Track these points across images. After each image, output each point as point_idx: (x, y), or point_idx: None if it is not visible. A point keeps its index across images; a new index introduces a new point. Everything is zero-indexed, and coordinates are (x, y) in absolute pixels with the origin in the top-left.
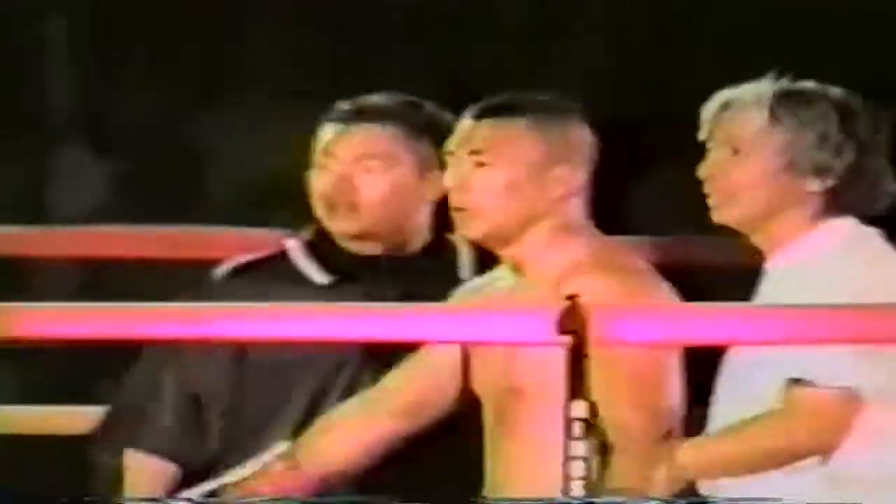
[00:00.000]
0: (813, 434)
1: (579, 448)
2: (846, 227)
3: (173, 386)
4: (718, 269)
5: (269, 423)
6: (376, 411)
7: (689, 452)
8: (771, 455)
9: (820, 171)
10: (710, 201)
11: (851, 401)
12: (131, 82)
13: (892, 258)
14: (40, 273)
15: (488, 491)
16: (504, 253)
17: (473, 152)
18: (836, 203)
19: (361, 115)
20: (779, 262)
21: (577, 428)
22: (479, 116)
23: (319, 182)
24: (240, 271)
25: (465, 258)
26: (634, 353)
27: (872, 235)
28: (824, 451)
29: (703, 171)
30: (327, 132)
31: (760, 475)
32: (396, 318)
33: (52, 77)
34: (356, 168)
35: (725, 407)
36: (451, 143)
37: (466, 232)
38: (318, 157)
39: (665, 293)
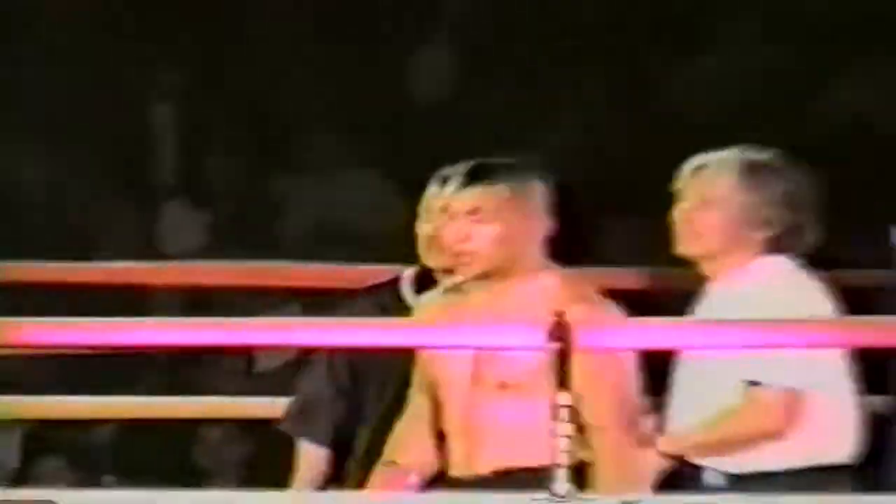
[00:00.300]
0: (765, 425)
1: (565, 428)
2: (779, 261)
3: (331, 386)
4: (663, 292)
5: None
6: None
7: (669, 441)
8: (733, 441)
9: (766, 224)
10: (678, 237)
11: (795, 397)
12: (220, 150)
13: (812, 283)
14: (152, 298)
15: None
16: (492, 282)
17: (470, 212)
18: (773, 245)
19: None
20: (723, 285)
21: (563, 413)
22: (469, 182)
23: (429, 229)
24: (371, 289)
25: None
26: (604, 357)
27: (798, 267)
28: (775, 437)
29: (676, 214)
30: (443, 190)
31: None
32: (424, 330)
33: (161, 148)
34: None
35: (683, 402)
36: (444, 202)
37: (466, 273)
38: (429, 209)
39: (609, 309)
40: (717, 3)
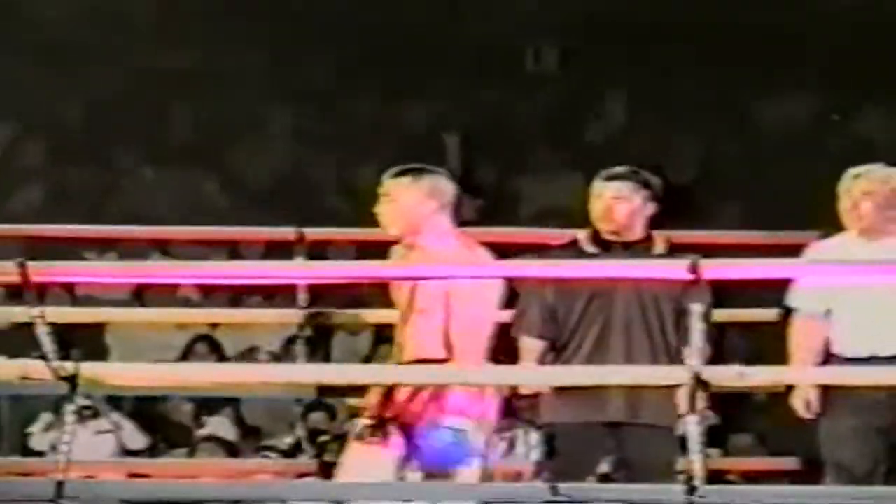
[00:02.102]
0: None
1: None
2: None
3: (537, 300)
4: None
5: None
6: None
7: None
8: None
9: None
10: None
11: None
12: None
13: None
14: None
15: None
16: (406, 241)
17: (387, 195)
18: None
19: (613, 177)
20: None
21: (698, 318)
22: (392, 177)
23: (596, 207)
24: (561, 247)
25: (660, 246)
26: (473, 294)
27: None
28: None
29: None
30: (599, 184)
31: None
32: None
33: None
34: (613, 202)
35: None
36: (381, 189)
37: (391, 230)
38: (595, 194)
39: (485, 257)
40: None
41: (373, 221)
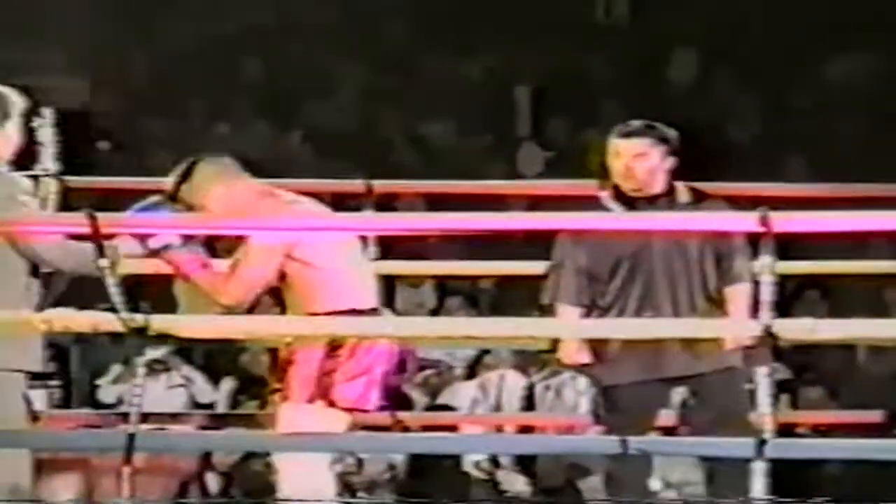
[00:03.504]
0: None
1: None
2: None
3: (571, 264)
4: None
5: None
6: None
7: None
8: None
9: None
10: None
11: None
12: None
13: None
14: None
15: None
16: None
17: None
18: None
19: (630, 134)
20: None
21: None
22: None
23: (615, 165)
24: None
25: (683, 196)
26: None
27: None
28: None
29: None
30: (616, 142)
31: None
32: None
33: None
34: (632, 160)
35: None
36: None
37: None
38: (613, 152)
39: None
40: None
41: (442, 174)
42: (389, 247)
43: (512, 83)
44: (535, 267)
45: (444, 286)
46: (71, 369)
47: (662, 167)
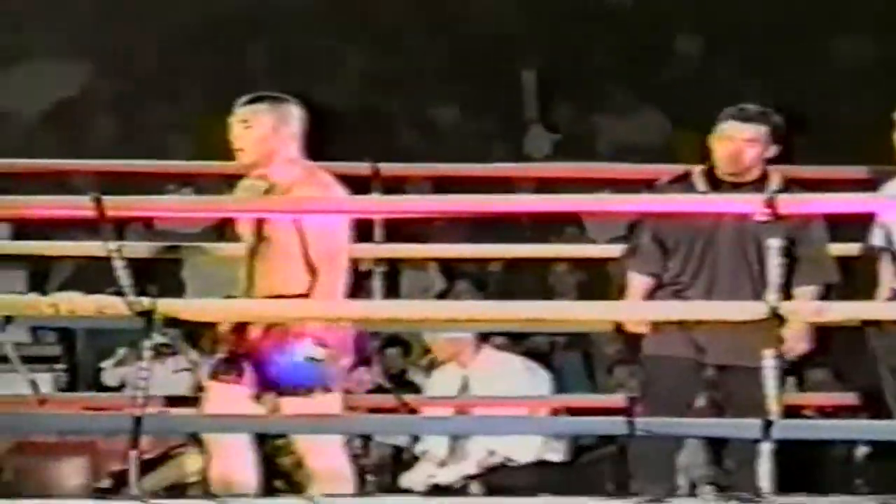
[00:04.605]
0: None
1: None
2: None
3: (648, 235)
4: None
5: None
6: None
7: None
8: None
9: None
10: None
11: None
12: None
13: None
14: None
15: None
16: (259, 173)
17: (241, 121)
18: None
19: (748, 119)
20: None
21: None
22: (245, 104)
23: (723, 148)
24: (671, 181)
25: (775, 183)
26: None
27: None
28: None
29: None
30: (731, 125)
31: None
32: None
33: None
34: (745, 145)
35: None
36: (233, 118)
37: (241, 161)
38: (724, 135)
39: (340, 191)
40: None
41: (448, 157)
42: (395, 231)
43: (519, 66)
44: (542, 250)
45: (452, 270)
46: (77, 353)
47: (766, 154)
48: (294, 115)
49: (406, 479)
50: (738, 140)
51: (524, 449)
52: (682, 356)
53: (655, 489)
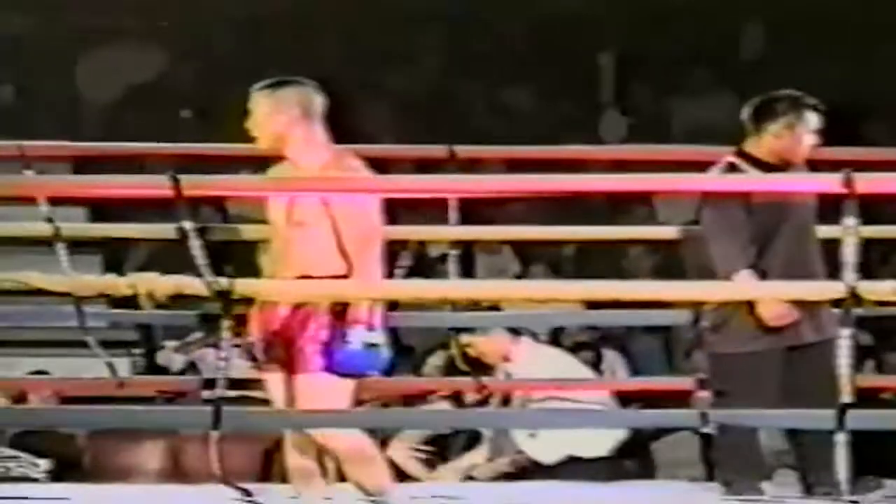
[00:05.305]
0: None
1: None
2: None
3: (741, 226)
4: None
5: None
6: None
7: None
8: None
9: None
10: None
11: None
12: None
13: None
14: None
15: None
16: (287, 156)
17: (252, 108)
18: None
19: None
20: None
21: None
22: (257, 90)
23: (802, 141)
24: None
25: (800, 167)
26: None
27: None
28: None
29: None
30: (813, 118)
31: None
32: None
33: None
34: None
35: None
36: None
37: (261, 145)
38: (804, 126)
39: (368, 174)
40: None
41: (522, 140)
42: (470, 213)
43: (596, 50)
44: (615, 232)
45: (526, 255)
46: (154, 338)
47: None
48: (308, 98)
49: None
50: (812, 132)
51: (551, 449)
52: (765, 348)
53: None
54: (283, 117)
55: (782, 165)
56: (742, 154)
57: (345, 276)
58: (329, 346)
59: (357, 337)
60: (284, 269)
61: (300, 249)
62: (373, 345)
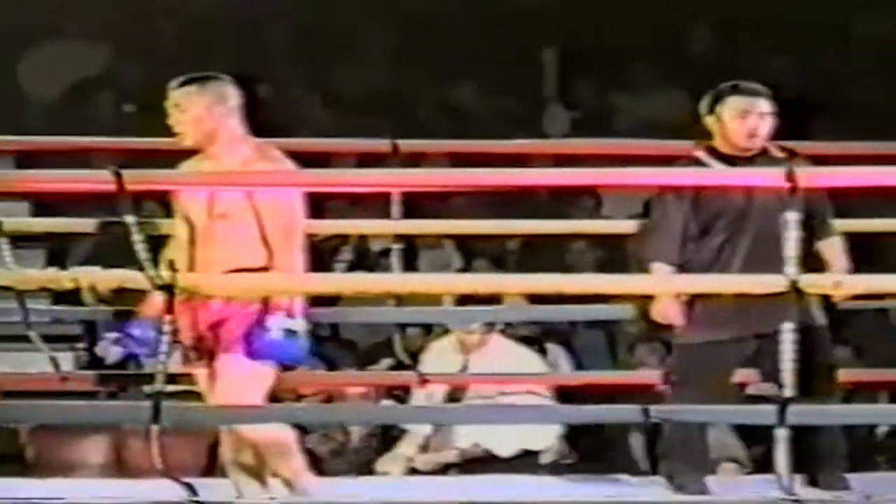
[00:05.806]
0: None
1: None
2: None
3: (671, 220)
4: None
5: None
6: None
7: None
8: None
9: None
10: None
11: None
12: None
13: None
14: None
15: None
16: (205, 151)
17: (175, 105)
18: None
19: (760, 94)
20: None
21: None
22: (176, 88)
23: (743, 123)
24: (685, 163)
25: (776, 154)
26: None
27: None
28: None
29: None
30: (748, 101)
31: None
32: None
33: None
34: (761, 120)
35: None
36: (168, 102)
37: (185, 142)
38: (739, 111)
39: (291, 167)
40: None
41: (466, 135)
42: (413, 208)
43: (539, 45)
44: (559, 226)
45: (469, 249)
46: (98, 333)
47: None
48: (229, 93)
49: (381, 464)
50: (754, 115)
51: (507, 442)
52: (720, 338)
53: (689, 473)
54: (220, 110)
55: (750, 159)
56: (709, 149)
57: (266, 268)
58: (249, 334)
59: (276, 324)
60: (203, 263)
61: (223, 242)
62: (292, 332)
